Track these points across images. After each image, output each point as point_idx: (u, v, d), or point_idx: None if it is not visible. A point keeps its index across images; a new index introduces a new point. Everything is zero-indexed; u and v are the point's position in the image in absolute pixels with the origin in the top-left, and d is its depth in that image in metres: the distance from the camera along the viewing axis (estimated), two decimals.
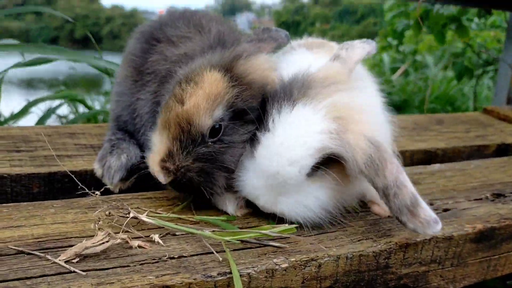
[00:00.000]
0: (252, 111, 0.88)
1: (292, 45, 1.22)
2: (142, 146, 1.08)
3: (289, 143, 0.84)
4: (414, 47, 7.92)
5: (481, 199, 1.18)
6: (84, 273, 0.67)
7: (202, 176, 0.85)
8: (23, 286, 0.63)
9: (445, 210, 1.08)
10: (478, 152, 1.72)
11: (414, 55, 7.77)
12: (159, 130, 0.87)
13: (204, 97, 0.84)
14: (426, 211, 0.83)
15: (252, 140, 0.89)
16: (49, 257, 0.70)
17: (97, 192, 0.88)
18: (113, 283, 0.66)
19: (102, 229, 0.77)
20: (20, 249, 0.72)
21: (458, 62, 2.91)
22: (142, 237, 0.81)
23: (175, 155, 0.84)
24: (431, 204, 1.10)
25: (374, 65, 8.03)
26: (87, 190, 0.87)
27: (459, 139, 1.73)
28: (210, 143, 0.86)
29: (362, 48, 0.99)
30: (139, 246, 0.77)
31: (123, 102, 1.12)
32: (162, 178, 0.86)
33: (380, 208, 1.02)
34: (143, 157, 0.94)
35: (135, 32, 1.17)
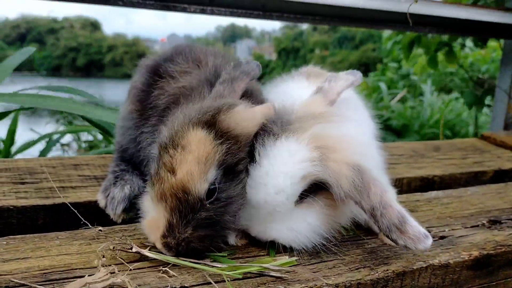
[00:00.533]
0: (241, 161, 0.89)
1: (292, 73, 1.28)
2: (146, 176, 1.10)
3: (273, 173, 0.88)
4: (409, 70, 8.05)
5: (477, 226, 1.20)
6: None
7: (206, 241, 0.85)
8: None
9: (442, 237, 1.10)
10: (475, 179, 1.74)
11: (408, 78, 7.88)
12: (154, 202, 0.84)
13: (195, 162, 0.82)
14: (415, 227, 0.86)
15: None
16: None
17: (100, 228, 0.92)
18: None
19: (105, 266, 0.79)
20: (23, 282, 0.74)
21: (467, 90, 2.96)
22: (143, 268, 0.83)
23: (175, 227, 0.82)
24: (428, 232, 1.12)
25: (374, 90, 8.15)
26: (89, 226, 0.90)
27: (456, 166, 1.76)
28: (208, 206, 0.84)
29: (346, 79, 1.05)
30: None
31: (128, 136, 1.15)
32: (167, 253, 0.85)
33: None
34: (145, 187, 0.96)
35: (140, 66, 1.21)
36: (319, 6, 1.91)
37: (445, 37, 3.19)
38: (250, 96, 1.03)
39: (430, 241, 0.86)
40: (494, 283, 1.11)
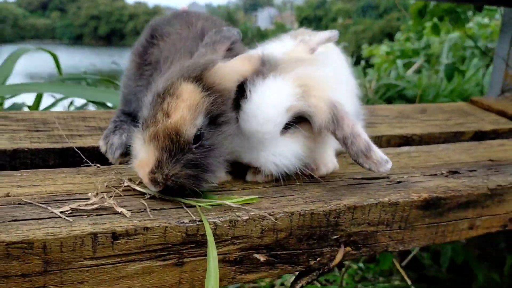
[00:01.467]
0: (224, 114, 1.02)
1: (282, 36, 1.43)
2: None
3: (262, 106, 1.04)
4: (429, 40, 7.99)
5: (435, 174, 1.34)
6: (70, 219, 0.87)
7: (191, 179, 0.97)
8: (35, 223, 0.84)
9: (398, 182, 1.25)
10: (454, 139, 1.86)
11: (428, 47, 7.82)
12: (146, 141, 0.95)
13: (187, 109, 0.95)
14: (378, 153, 1.05)
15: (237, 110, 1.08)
16: (51, 208, 0.90)
17: (98, 165, 1.10)
18: (104, 223, 0.86)
19: (99, 194, 0.96)
20: (31, 202, 0.92)
21: (448, 64, 3.03)
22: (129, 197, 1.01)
23: (164, 164, 0.93)
24: (387, 177, 1.27)
25: (393, 61, 8.15)
26: (90, 164, 1.08)
27: (437, 127, 1.88)
28: (194, 149, 0.97)
29: (323, 34, 1.24)
30: (123, 212, 0.93)
31: (129, 86, 1.33)
32: (153, 188, 0.96)
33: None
34: None
35: (147, 26, 1.38)
36: None
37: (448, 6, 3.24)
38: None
39: (389, 165, 1.05)
40: (444, 223, 1.26)
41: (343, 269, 2.53)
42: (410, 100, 6.66)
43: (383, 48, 8.16)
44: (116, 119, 1.35)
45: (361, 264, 2.71)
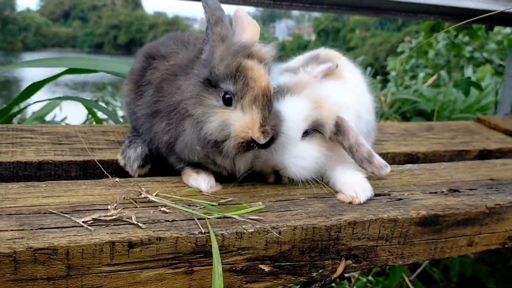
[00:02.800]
0: None
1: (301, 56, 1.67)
2: (144, 141, 1.37)
3: (286, 117, 1.20)
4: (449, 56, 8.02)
5: (436, 192, 1.39)
6: (92, 228, 0.96)
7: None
8: (59, 231, 0.93)
9: (399, 199, 1.31)
10: (459, 157, 1.92)
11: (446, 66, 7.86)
12: (246, 105, 1.12)
13: (266, 75, 1.16)
14: (379, 159, 1.27)
15: None
16: (73, 218, 0.99)
17: (117, 179, 1.19)
18: (121, 233, 0.95)
19: (117, 206, 1.05)
20: (56, 212, 1.01)
21: (464, 78, 3.05)
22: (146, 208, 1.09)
23: (267, 118, 1.12)
24: (388, 195, 1.34)
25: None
26: (109, 177, 1.18)
27: (442, 145, 1.94)
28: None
29: (324, 65, 1.42)
30: (140, 222, 1.02)
31: (129, 109, 1.43)
32: (262, 140, 1.11)
33: (344, 195, 1.27)
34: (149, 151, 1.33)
35: (139, 51, 1.48)
36: None
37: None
38: None
39: (388, 169, 1.28)
40: (443, 239, 1.31)
41: (352, 282, 2.59)
42: (425, 115, 6.66)
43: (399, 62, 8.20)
44: (129, 134, 1.44)
45: (370, 277, 2.76)
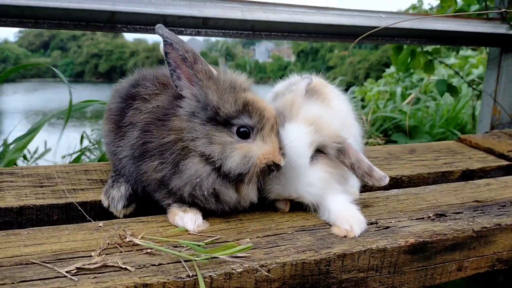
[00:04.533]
0: None
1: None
2: (127, 182, 1.36)
3: (292, 147, 1.28)
4: (420, 76, 8.17)
5: (422, 218, 1.40)
6: (76, 278, 0.93)
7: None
8: (41, 283, 0.90)
9: (386, 227, 1.31)
10: (443, 178, 1.93)
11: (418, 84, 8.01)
12: (266, 134, 1.23)
13: (268, 103, 1.31)
14: (378, 172, 1.36)
15: None
16: (56, 268, 0.96)
17: (100, 223, 1.17)
18: (106, 281, 0.92)
19: (101, 253, 1.03)
20: (38, 262, 0.99)
21: (440, 80, 3.07)
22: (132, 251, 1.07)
23: (281, 142, 1.26)
24: (376, 223, 1.33)
25: (391, 94, 8.33)
26: (92, 221, 1.16)
27: (425, 167, 1.95)
28: None
29: (303, 82, 1.50)
30: (125, 268, 1.00)
31: (109, 150, 1.42)
32: (283, 162, 1.23)
33: (338, 229, 1.26)
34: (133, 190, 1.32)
35: (114, 91, 1.47)
36: (302, 25, 2.13)
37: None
38: None
39: (387, 179, 1.37)
40: (432, 266, 1.31)
41: None
42: (406, 133, 6.73)
43: (375, 87, 8.35)
44: (112, 174, 1.42)
45: None
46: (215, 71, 1.27)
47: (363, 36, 1.89)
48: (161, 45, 1.23)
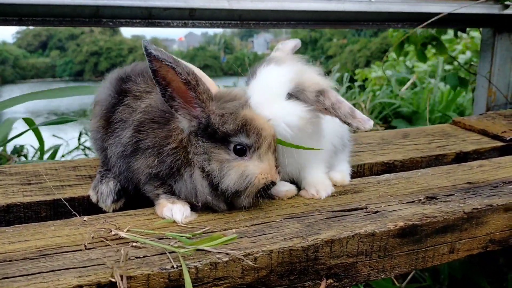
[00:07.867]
0: None
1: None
2: (116, 177, 1.35)
3: (270, 77, 1.35)
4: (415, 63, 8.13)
5: (413, 201, 1.38)
6: (59, 273, 0.93)
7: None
8: (24, 279, 0.89)
9: (375, 212, 1.30)
10: (436, 161, 1.92)
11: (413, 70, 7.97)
12: (263, 152, 1.22)
13: (267, 120, 1.28)
14: (360, 114, 1.31)
15: None
16: (40, 263, 0.96)
17: (85, 217, 1.16)
18: (89, 275, 0.92)
19: (86, 248, 1.03)
20: (21, 258, 0.99)
21: (451, 73, 3.07)
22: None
23: (278, 160, 1.28)
24: (365, 208, 1.32)
25: (386, 80, 8.29)
26: (77, 216, 1.15)
27: (418, 151, 1.94)
28: None
29: (291, 42, 1.60)
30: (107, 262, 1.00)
31: (97, 145, 1.41)
32: (279, 179, 1.26)
33: (306, 192, 1.42)
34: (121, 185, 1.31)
35: (106, 81, 1.44)
36: (290, 12, 2.11)
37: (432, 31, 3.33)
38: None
39: (371, 122, 1.31)
40: (423, 249, 1.30)
41: None
42: (406, 117, 6.71)
43: (373, 72, 8.29)
44: (100, 169, 1.42)
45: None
46: (213, 88, 1.28)
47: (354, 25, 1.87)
48: (148, 62, 1.16)
